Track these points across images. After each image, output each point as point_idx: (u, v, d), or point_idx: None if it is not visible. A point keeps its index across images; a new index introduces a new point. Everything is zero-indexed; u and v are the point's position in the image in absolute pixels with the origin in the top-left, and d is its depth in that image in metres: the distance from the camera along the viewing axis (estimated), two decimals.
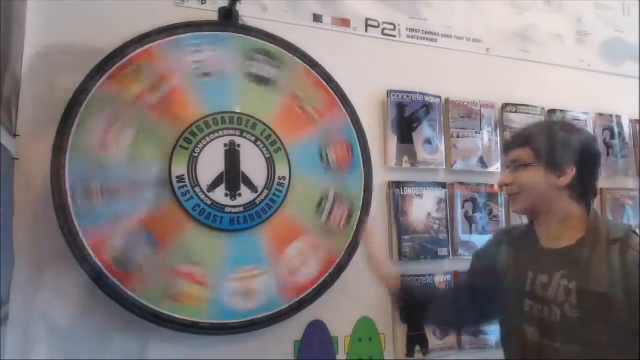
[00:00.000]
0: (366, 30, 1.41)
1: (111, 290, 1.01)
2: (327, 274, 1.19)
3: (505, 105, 1.53)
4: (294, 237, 1.17)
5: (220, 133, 1.12)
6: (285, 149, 1.18)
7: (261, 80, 1.18)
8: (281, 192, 1.16)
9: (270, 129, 1.17)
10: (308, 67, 1.22)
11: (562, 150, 0.93)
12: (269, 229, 1.14)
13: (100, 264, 1.00)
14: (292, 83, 1.21)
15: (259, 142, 1.15)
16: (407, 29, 1.46)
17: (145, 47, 1.07)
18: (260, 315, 1.12)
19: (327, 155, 1.22)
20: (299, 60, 1.22)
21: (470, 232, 1.42)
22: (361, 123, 1.28)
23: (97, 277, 1.00)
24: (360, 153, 1.26)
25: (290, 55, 1.21)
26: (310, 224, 1.19)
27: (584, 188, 0.95)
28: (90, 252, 0.99)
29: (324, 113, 1.23)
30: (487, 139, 1.48)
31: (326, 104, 1.23)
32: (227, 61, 1.15)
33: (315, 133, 1.22)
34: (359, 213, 1.23)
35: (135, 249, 1.03)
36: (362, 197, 1.24)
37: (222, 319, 1.09)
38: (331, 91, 1.24)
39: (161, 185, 1.06)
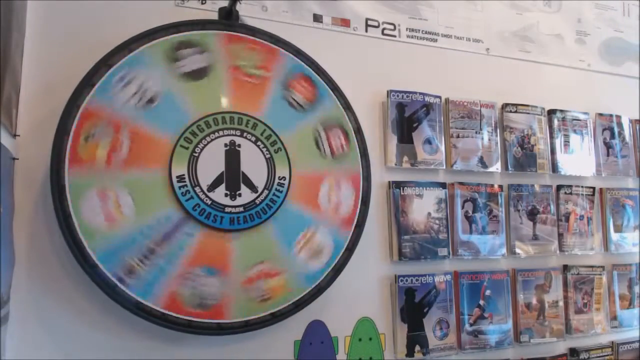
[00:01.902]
0: (366, 30, 1.41)
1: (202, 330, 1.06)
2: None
3: (505, 105, 1.53)
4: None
5: (221, 133, 1.12)
6: (281, 143, 1.17)
7: (199, 73, 1.12)
8: (281, 192, 1.15)
9: (271, 129, 1.16)
10: (229, 32, 1.16)
11: None
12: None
13: (187, 318, 1.04)
14: (224, 56, 1.15)
15: (259, 142, 1.15)
16: (407, 29, 1.46)
17: (80, 111, 1.01)
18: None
19: (294, 99, 1.20)
20: (217, 32, 1.16)
21: (470, 232, 1.42)
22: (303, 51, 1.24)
23: (190, 329, 1.05)
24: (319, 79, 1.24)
25: (204, 32, 1.14)
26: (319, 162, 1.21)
27: None
28: (171, 313, 1.03)
29: (269, 67, 1.19)
30: (487, 139, 1.48)
31: (266, 55, 1.19)
32: (157, 76, 1.08)
33: (272, 86, 1.18)
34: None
35: (205, 287, 1.06)
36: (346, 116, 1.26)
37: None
38: (263, 42, 1.19)
39: (184, 221, 1.06)
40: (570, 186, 1.58)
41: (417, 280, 1.33)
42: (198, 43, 1.13)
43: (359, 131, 1.26)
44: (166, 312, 1.03)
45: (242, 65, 1.16)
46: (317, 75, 1.24)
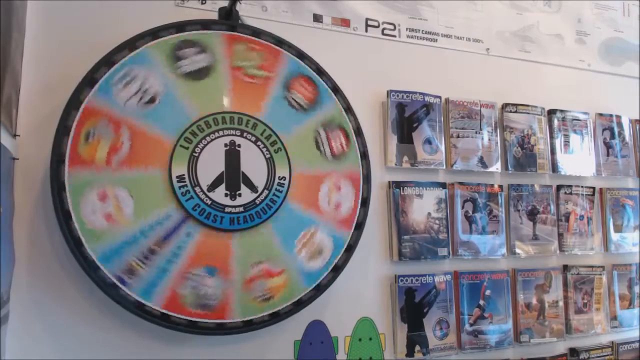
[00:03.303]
0: (366, 30, 1.41)
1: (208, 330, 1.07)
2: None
3: (505, 105, 1.53)
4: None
5: (221, 133, 1.12)
6: (281, 143, 1.17)
7: (200, 73, 1.12)
8: (281, 192, 1.15)
9: (271, 129, 1.16)
10: (232, 33, 1.16)
11: None
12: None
13: (188, 318, 1.05)
14: (226, 57, 1.15)
15: (259, 142, 1.15)
16: (407, 29, 1.46)
17: (81, 110, 1.01)
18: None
19: (295, 100, 1.20)
20: (220, 32, 1.15)
21: (470, 232, 1.42)
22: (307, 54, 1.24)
23: (190, 329, 1.05)
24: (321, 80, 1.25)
25: (207, 32, 1.14)
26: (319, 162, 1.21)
27: None
28: (171, 313, 1.03)
29: (270, 68, 1.19)
30: (487, 139, 1.48)
31: (268, 56, 1.19)
32: (158, 75, 1.08)
33: (273, 87, 1.19)
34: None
35: (206, 287, 1.06)
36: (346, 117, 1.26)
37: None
38: (266, 43, 1.19)
39: (185, 221, 1.06)
40: (570, 186, 1.58)
41: (417, 280, 1.33)
42: (200, 43, 1.13)
43: (359, 132, 1.26)
44: (167, 312, 1.03)
45: (243, 65, 1.16)
46: (318, 77, 1.24)
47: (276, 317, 1.13)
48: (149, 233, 1.03)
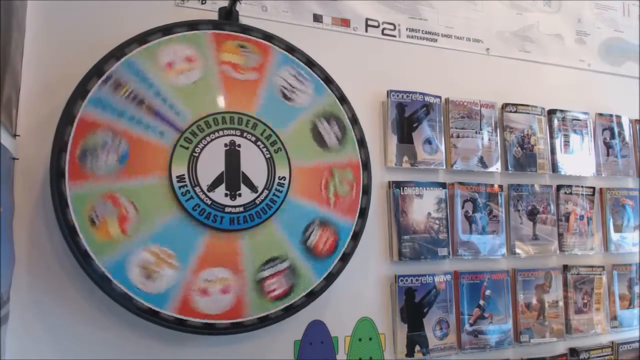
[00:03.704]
0: (366, 30, 1.41)
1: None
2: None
3: (505, 105, 1.53)
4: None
5: (221, 133, 1.12)
6: (281, 143, 1.17)
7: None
8: (281, 192, 1.15)
9: (271, 129, 1.16)
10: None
11: None
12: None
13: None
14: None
15: (259, 142, 1.15)
16: (407, 29, 1.46)
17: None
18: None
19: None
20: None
21: (470, 232, 1.42)
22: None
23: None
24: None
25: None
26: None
27: None
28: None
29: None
30: (487, 139, 1.48)
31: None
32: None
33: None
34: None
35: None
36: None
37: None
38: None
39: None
40: (570, 186, 1.58)
41: (417, 280, 1.33)
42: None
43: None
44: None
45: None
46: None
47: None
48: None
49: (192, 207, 1.07)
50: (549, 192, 1.54)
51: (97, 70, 1.03)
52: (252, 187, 1.13)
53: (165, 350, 1.10)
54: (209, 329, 1.06)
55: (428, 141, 1.40)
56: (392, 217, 1.34)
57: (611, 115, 1.69)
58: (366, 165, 1.25)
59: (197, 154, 1.09)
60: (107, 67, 1.04)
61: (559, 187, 1.57)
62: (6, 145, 0.93)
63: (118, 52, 1.05)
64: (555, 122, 1.58)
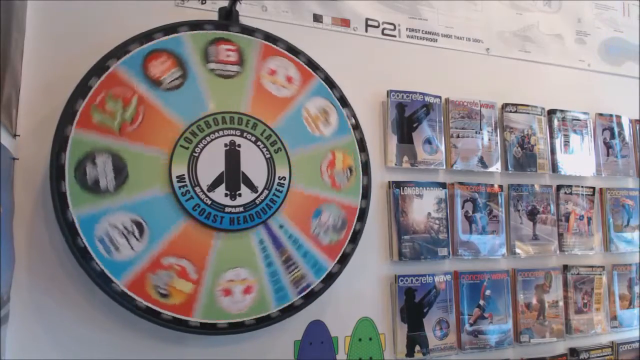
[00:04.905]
0: (366, 30, 1.41)
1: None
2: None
3: (505, 105, 1.53)
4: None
5: (221, 133, 1.12)
6: (281, 143, 1.17)
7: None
8: (281, 192, 1.15)
9: (271, 129, 1.16)
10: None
11: None
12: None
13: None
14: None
15: (259, 142, 1.15)
16: (407, 29, 1.46)
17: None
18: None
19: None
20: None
21: (470, 232, 1.42)
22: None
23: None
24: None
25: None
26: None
27: None
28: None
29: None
30: (487, 139, 1.48)
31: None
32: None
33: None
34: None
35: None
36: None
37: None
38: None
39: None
40: (570, 186, 1.58)
41: (417, 280, 1.33)
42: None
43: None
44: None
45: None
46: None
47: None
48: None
49: (192, 207, 1.07)
50: (549, 192, 1.54)
51: (97, 70, 1.03)
52: (252, 187, 1.13)
53: (165, 350, 1.10)
54: (209, 329, 1.06)
55: (428, 141, 1.40)
56: (392, 217, 1.34)
57: (611, 115, 1.69)
58: (362, 144, 1.26)
59: (197, 154, 1.09)
60: (107, 66, 1.04)
61: (559, 187, 1.57)
62: (6, 145, 0.93)
63: (118, 52, 1.06)
64: (555, 122, 1.58)
